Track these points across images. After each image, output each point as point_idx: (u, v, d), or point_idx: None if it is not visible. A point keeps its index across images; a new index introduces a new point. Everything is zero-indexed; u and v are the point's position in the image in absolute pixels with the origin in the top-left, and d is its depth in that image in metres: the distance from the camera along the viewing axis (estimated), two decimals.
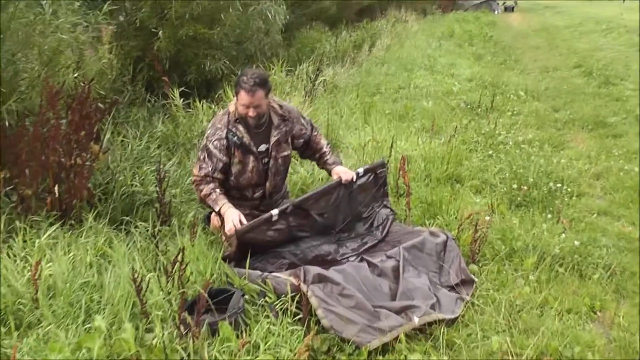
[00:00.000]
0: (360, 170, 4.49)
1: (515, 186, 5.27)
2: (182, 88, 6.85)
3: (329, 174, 4.55)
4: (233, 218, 3.96)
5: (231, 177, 4.25)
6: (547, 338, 3.27)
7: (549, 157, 6.16)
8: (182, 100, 6.56)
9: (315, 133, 4.59)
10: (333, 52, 10.94)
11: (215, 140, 4.13)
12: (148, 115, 6.56)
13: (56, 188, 4.16)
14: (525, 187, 5.16)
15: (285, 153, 4.38)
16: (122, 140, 5.52)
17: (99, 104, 4.89)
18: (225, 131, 4.14)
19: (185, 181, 5.14)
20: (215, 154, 4.13)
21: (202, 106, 6.51)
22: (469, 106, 8.37)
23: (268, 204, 4.41)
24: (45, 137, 4.20)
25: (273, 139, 4.26)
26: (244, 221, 3.97)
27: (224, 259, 3.82)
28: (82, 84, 4.53)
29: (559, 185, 5.32)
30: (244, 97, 4.01)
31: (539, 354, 3.18)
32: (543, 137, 7.02)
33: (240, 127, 4.14)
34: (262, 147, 4.24)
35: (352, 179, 4.35)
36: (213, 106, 6.42)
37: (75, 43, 5.09)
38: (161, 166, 4.62)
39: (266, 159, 4.28)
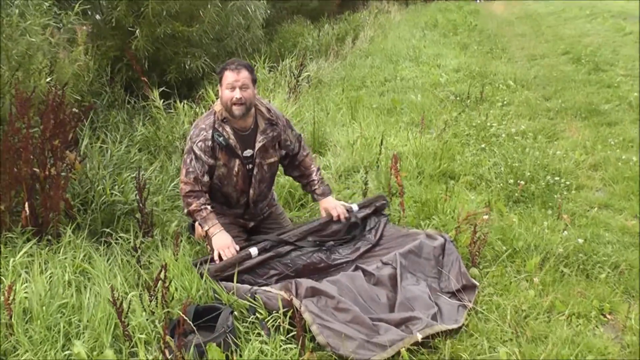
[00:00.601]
0: (355, 206, 4.29)
1: (511, 181, 5.08)
2: (163, 88, 6.65)
3: (315, 200, 4.36)
4: (222, 247, 3.74)
5: (215, 181, 3.98)
6: (557, 347, 3.08)
7: (544, 149, 5.98)
8: (162, 101, 6.32)
9: (305, 153, 4.29)
10: (316, 46, 10.75)
11: (199, 142, 3.85)
12: (128, 118, 6.35)
13: (26, 205, 3.91)
14: (522, 182, 4.97)
15: (272, 160, 4.09)
16: (100, 146, 5.28)
17: (74, 109, 4.66)
18: (210, 131, 3.86)
19: (168, 187, 4.93)
20: (200, 156, 3.85)
21: (183, 107, 6.28)
22: (458, 98, 8.17)
23: (253, 213, 4.21)
24: (16, 147, 3.97)
25: (258, 145, 3.96)
26: (235, 249, 3.76)
27: (194, 263, 3.64)
28: (55, 89, 4.28)
29: (556, 178, 5.14)
30: (229, 76, 3.78)
31: None
32: (536, 127, 6.83)
33: (227, 128, 3.88)
34: (247, 153, 3.96)
35: (344, 217, 4.13)
36: (194, 106, 6.20)
37: (47, 46, 4.83)
38: (142, 173, 4.39)
39: (250, 165, 4.00)
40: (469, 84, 8.83)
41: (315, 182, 4.25)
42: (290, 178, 4.55)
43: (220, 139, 3.84)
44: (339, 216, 4.12)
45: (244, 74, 3.80)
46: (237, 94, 3.77)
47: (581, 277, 3.79)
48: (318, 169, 4.31)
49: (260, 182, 4.07)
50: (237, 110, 3.80)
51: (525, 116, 7.37)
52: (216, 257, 3.69)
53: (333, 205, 4.16)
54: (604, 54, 10.71)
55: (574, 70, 9.94)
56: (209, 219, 3.85)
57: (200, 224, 3.88)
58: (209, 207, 3.88)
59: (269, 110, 4.04)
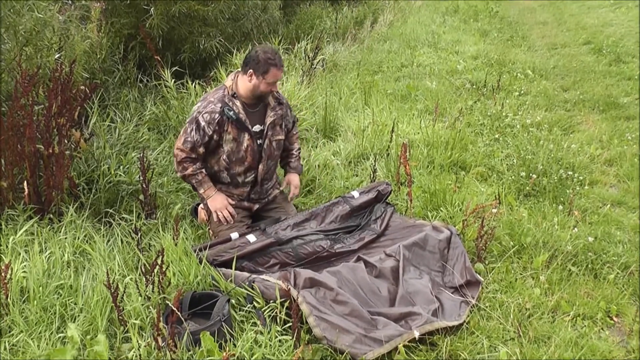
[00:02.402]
0: (355, 193, 4.29)
1: (523, 174, 4.98)
2: (176, 67, 6.58)
3: (285, 172, 4.52)
4: (219, 208, 3.94)
5: (223, 156, 3.98)
6: (560, 349, 3.01)
7: (559, 142, 5.85)
8: (175, 80, 6.26)
9: (295, 131, 4.48)
10: (333, 28, 10.59)
11: (205, 113, 3.88)
12: (139, 97, 6.29)
13: (26, 183, 3.86)
14: (535, 175, 4.86)
15: (279, 137, 4.18)
16: (109, 125, 5.24)
17: (82, 87, 4.61)
18: (219, 105, 3.89)
19: (173, 167, 4.86)
20: (203, 127, 3.87)
21: (195, 87, 6.21)
22: (474, 86, 8.03)
23: (259, 192, 4.20)
24: (21, 124, 3.93)
25: (269, 120, 4.06)
26: (231, 210, 3.95)
27: (194, 249, 3.60)
28: (61, 66, 4.23)
29: (569, 172, 5.02)
30: (276, 74, 3.89)
31: None
32: (552, 119, 6.70)
33: (237, 103, 3.94)
34: (257, 128, 4.03)
35: (290, 197, 4.38)
36: (206, 87, 6.13)
37: (56, 22, 4.77)
38: (147, 153, 4.33)
39: (260, 140, 4.05)
40: (486, 72, 8.68)
41: (294, 156, 4.45)
42: None
43: (230, 113, 3.88)
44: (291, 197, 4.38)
45: (283, 70, 4.06)
46: (275, 88, 3.98)
47: (589, 277, 3.70)
48: (299, 148, 4.53)
49: (268, 158, 4.12)
50: (264, 98, 4.01)
51: (541, 107, 7.23)
52: (215, 219, 3.87)
53: (296, 183, 4.42)
54: (627, 45, 10.47)
55: (594, 60, 9.74)
56: (204, 182, 3.96)
57: (195, 187, 3.99)
58: (204, 171, 3.97)
59: (277, 91, 4.14)
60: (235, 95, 3.95)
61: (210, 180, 4.00)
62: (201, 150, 3.91)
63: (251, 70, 3.87)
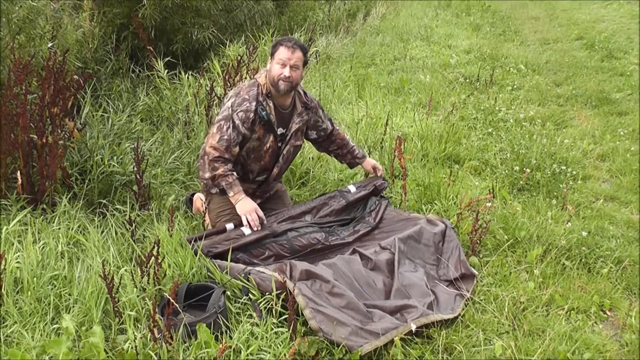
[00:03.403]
0: (352, 187, 4.27)
1: (517, 168, 5.00)
2: (168, 58, 6.54)
3: (353, 166, 4.57)
4: (249, 211, 3.72)
5: (243, 153, 3.90)
6: (554, 342, 3.02)
7: (552, 137, 5.87)
8: (167, 71, 6.23)
9: (338, 128, 4.39)
10: (326, 21, 10.57)
11: (240, 112, 3.76)
12: (132, 87, 6.25)
13: (19, 173, 3.83)
14: (528, 170, 4.87)
15: (299, 143, 4.12)
16: (102, 115, 5.20)
17: (75, 76, 4.57)
18: (254, 104, 3.79)
19: (168, 159, 4.84)
20: (238, 125, 3.76)
21: (188, 78, 6.18)
22: (467, 80, 8.05)
23: (265, 190, 4.16)
24: (14, 113, 3.89)
25: (294, 126, 3.98)
26: (260, 214, 3.75)
27: (189, 240, 3.57)
28: (55, 55, 4.19)
29: (563, 167, 5.04)
30: (283, 52, 3.76)
31: None
32: (545, 114, 6.72)
33: (270, 104, 3.84)
34: (280, 131, 3.94)
35: (382, 174, 4.43)
36: (199, 78, 6.10)
37: (49, 11, 4.73)
38: (141, 144, 4.30)
39: (281, 144, 3.98)
40: (479, 66, 8.71)
41: (355, 148, 4.42)
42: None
43: (263, 113, 3.79)
44: (379, 175, 4.40)
45: (298, 54, 3.78)
46: (287, 72, 3.75)
47: (583, 271, 3.72)
48: (350, 140, 4.47)
49: (285, 162, 4.09)
50: (282, 84, 3.78)
51: (534, 101, 7.26)
52: (245, 222, 3.69)
53: (375, 164, 4.42)
54: (618, 41, 10.52)
55: (586, 56, 9.78)
56: (235, 185, 3.77)
57: (225, 189, 3.78)
58: (235, 173, 3.81)
59: (305, 94, 4.09)
60: (269, 95, 3.85)
61: (240, 185, 3.82)
62: (236, 149, 3.80)
63: (271, 52, 3.86)
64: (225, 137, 3.75)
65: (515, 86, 7.88)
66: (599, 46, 10.22)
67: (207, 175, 3.79)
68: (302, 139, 4.15)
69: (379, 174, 4.38)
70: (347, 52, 9.25)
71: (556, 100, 7.40)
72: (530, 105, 7.11)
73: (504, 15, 14.09)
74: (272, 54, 3.82)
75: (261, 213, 3.77)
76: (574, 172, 5.04)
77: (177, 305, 2.87)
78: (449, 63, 9.01)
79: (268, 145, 3.91)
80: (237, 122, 3.76)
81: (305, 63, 3.89)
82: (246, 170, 4.00)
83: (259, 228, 3.70)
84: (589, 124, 6.44)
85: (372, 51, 9.59)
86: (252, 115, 3.78)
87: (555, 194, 4.68)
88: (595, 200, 4.71)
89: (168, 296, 2.79)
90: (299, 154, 4.91)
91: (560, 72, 8.79)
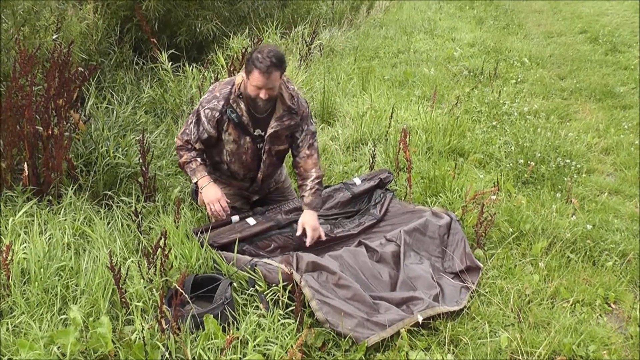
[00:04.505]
0: (357, 180, 4.26)
1: (521, 161, 4.99)
2: (172, 50, 6.53)
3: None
4: (212, 200, 3.69)
5: (224, 156, 3.84)
6: (559, 334, 3.03)
7: (556, 130, 5.87)
8: (171, 63, 6.23)
9: (306, 154, 3.87)
10: (330, 13, 10.53)
11: (207, 109, 3.68)
12: (136, 79, 6.24)
13: (26, 165, 3.84)
14: (533, 163, 4.88)
15: (281, 147, 3.89)
16: (106, 107, 5.21)
17: (80, 68, 4.58)
18: (222, 103, 3.66)
19: (173, 152, 4.84)
20: (203, 122, 3.70)
21: (192, 70, 6.18)
22: (471, 73, 8.03)
23: (259, 188, 4.06)
24: (19, 105, 3.90)
25: (270, 130, 3.74)
26: (224, 204, 3.70)
27: (195, 231, 3.60)
28: (60, 47, 4.20)
29: (567, 160, 5.04)
30: (257, 78, 3.48)
31: (551, 352, 2.94)
32: (549, 107, 6.72)
33: (242, 105, 3.67)
34: (258, 132, 3.77)
35: (310, 242, 3.69)
36: (203, 70, 6.09)
37: (54, 2, 4.73)
38: (146, 136, 4.31)
39: (260, 145, 3.83)
40: (483, 59, 8.68)
41: (308, 187, 3.83)
42: None
43: (233, 115, 3.67)
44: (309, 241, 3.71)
45: (274, 77, 3.51)
46: (263, 95, 3.55)
47: (587, 264, 3.72)
48: (318, 177, 3.85)
49: (269, 166, 3.92)
50: (260, 102, 3.62)
51: (538, 95, 7.25)
52: (208, 211, 3.67)
53: (312, 224, 3.71)
54: (622, 35, 10.48)
55: (590, 50, 9.75)
56: (198, 171, 3.75)
57: (189, 176, 3.80)
58: (199, 159, 3.76)
59: (292, 97, 3.77)
60: (241, 96, 3.67)
61: (204, 170, 3.75)
62: (197, 145, 3.75)
63: (246, 70, 3.60)
64: (187, 131, 3.77)
65: (519, 79, 7.86)
66: (603, 40, 10.19)
67: (178, 165, 3.87)
68: (285, 143, 3.89)
69: (307, 239, 3.67)
70: (350, 45, 9.23)
71: (560, 93, 7.39)
72: (534, 98, 7.11)
73: (508, 8, 14.04)
74: (247, 73, 3.56)
75: (225, 204, 3.69)
76: (579, 166, 5.04)
77: (186, 295, 2.88)
78: (452, 56, 8.99)
79: (246, 147, 3.78)
80: (202, 118, 3.70)
81: (283, 72, 3.60)
82: (232, 171, 3.91)
83: (224, 218, 3.66)
84: (593, 117, 6.43)
85: (375, 44, 9.57)
86: (217, 114, 3.67)
87: (559, 187, 4.68)
88: (599, 194, 4.71)
89: (176, 286, 2.80)
90: None
91: (564, 66, 8.77)
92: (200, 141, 3.76)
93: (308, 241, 3.67)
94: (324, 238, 3.75)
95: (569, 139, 5.65)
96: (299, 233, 3.72)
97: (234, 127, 3.72)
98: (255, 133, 3.77)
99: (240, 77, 3.72)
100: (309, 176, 3.84)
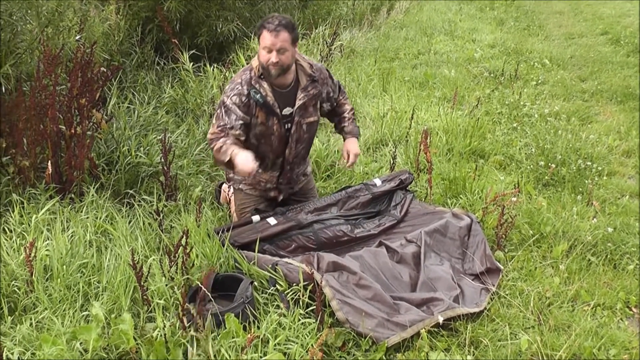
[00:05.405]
0: (378, 180, 4.25)
1: (542, 163, 4.97)
2: (193, 51, 6.58)
3: (343, 138, 4.19)
4: (244, 160, 3.42)
5: (252, 140, 3.79)
6: (580, 338, 3.01)
7: (577, 132, 5.83)
8: (192, 63, 6.27)
9: (341, 97, 4.15)
10: (350, 14, 10.55)
11: (234, 96, 3.64)
12: (157, 79, 6.30)
13: (50, 163, 3.89)
14: (553, 165, 4.85)
15: (312, 119, 3.89)
16: (128, 107, 5.26)
17: (103, 68, 4.62)
18: (246, 87, 3.65)
19: (194, 151, 4.89)
20: (234, 110, 3.63)
21: (213, 70, 6.22)
22: (492, 74, 8.01)
23: (289, 177, 4.02)
24: (43, 104, 3.95)
25: (298, 102, 3.76)
26: (255, 163, 3.46)
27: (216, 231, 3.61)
28: (83, 47, 4.24)
29: (588, 163, 5.01)
30: (266, 37, 3.52)
31: (571, 356, 2.93)
32: (570, 109, 6.67)
33: (265, 85, 3.66)
34: (287, 111, 3.77)
35: (349, 165, 4.08)
36: (224, 70, 6.12)
37: (77, 3, 4.78)
38: (168, 135, 4.34)
39: (289, 124, 3.81)
40: (503, 60, 8.65)
41: (346, 119, 4.13)
42: (316, 146, 4.50)
43: (257, 96, 3.65)
44: (349, 164, 4.08)
45: (283, 37, 3.52)
46: (274, 57, 3.55)
47: (608, 267, 3.70)
48: (351, 109, 4.19)
49: (297, 142, 3.88)
50: (272, 69, 3.59)
51: (559, 97, 7.21)
52: (243, 174, 3.48)
53: (355, 151, 4.06)
54: None
55: (612, 51, 9.69)
56: (229, 149, 3.51)
57: (222, 160, 3.55)
58: (229, 141, 3.57)
59: (310, 65, 3.84)
60: (262, 77, 3.68)
61: (236, 145, 3.55)
62: (233, 132, 3.62)
63: (257, 35, 3.66)
64: (221, 122, 3.66)
65: (539, 81, 7.82)
66: (624, 41, 10.12)
67: (214, 162, 3.78)
68: (315, 115, 3.93)
69: (348, 162, 4.04)
70: (371, 46, 9.24)
71: (581, 95, 7.34)
72: (555, 100, 7.07)
73: (528, 9, 13.99)
74: (258, 38, 3.62)
75: (256, 163, 3.47)
76: (600, 168, 5.01)
77: (208, 293, 2.90)
78: (473, 57, 8.98)
79: (274, 128, 3.76)
80: (231, 106, 3.65)
81: (294, 40, 3.62)
82: (262, 154, 3.84)
83: (253, 172, 3.45)
84: (615, 119, 6.39)
85: (396, 45, 9.57)
86: (244, 99, 3.66)
87: (580, 189, 4.66)
88: (620, 197, 4.67)
89: (199, 283, 2.82)
90: (324, 146, 4.94)
91: (585, 67, 8.72)
92: (237, 129, 3.65)
93: (349, 164, 4.05)
94: (351, 165, 4.09)
95: (590, 141, 5.62)
96: (344, 159, 4.07)
97: (260, 109, 3.70)
98: (283, 112, 3.76)
99: (255, 60, 3.72)
100: (344, 110, 4.16)
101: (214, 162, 3.90)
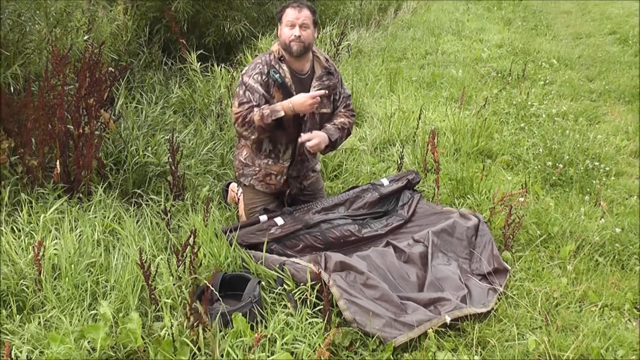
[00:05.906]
0: (385, 180, 4.24)
1: (549, 163, 4.96)
2: (200, 51, 6.59)
3: None
4: (300, 97, 3.63)
5: None
6: (587, 338, 3.00)
7: (585, 132, 5.82)
8: (200, 64, 6.29)
9: (343, 109, 4.05)
10: (357, 15, 10.55)
11: (255, 74, 3.73)
12: (164, 79, 6.32)
13: (58, 162, 3.90)
14: (561, 165, 4.85)
15: (325, 110, 3.94)
16: (135, 107, 5.28)
17: (110, 68, 4.64)
18: (266, 67, 3.75)
19: (201, 151, 4.89)
20: (256, 88, 3.71)
21: (220, 70, 6.23)
22: (499, 74, 8.00)
23: (298, 169, 4.01)
24: (51, 104, 3.96)
25: (313, 90, 3.80)
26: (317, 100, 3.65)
27: (224, 230, 3.61)
28: (91, 47, 4.26)
29: (596, 163, 4.99)
30: (289, 13, 3.68)
31: (579, 356, 2.92)
32: (577, 109, 6.66)
33: (284, 67, 3.77)
34: None
35: (307, 150, 3.82)
36: (231, 70, 6.14)
37: (86, 4, 4.81)
38: (175, 135, 4.35)
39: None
40: (511, 60, 8.64)
41: (332, 123, 3.95)
42: None
43: (277, 75, 3.72)
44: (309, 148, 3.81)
45: (306, 13, 3.69)
46: (297, 31, 3.66)
47: (616, 268, 3.69)
48: (342, 123, 3.98)
49: (310, 131, 3.83)
50: (295, 45, 3.69)
51: (567, 97, 7.19)
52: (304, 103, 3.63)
53: (321, 137, 3.80)
54: None
55: (620, 51, 9.65)
56: (271, 106, 3.68)
57: (271, 118, 3.65)
58: (264, 106, 3.69)
59: (327, 59, 3.95)
60: (282, 59, 3.78)
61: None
62: (260, 103, 3.71)
63: (278, 17, 3.78)
64: (245, 99, 3.71)
65: (547, 81, 7.81)
66: (632, 41, 10.08)
67: (250, 134, 3.75)
68: (328, 107, 3.97)
69: (304, 137, 3.75)
70: (378, 46, 9.24)
71: (589, 95, 7.33)
72: (562, 100, 7.06)
73: (536, 9, 13.96)
74: (280, 19, 3.75)
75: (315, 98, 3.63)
76: (607, 168, 4.99)
77: (215, 292, 2.91)
78: (480, 57, 8.96)
79: None
80: (253, 84, 3.71)
81: (315, 23, 3.78)
82: (274, 140, 3.89)
83: (316, 102, 3.64)
84: (623, 119, 6.37)
85: (403, 45, 9.57)
86: (264, 77, 3.73)
87: (588, 189, 4.65)
88: (628, 197, 4.65)
89: (207, 282, 2.83)
90: None
91: (593, 67, 8.70)
92: (260, 103, 3.71)
93: (304, 138, 3.73)
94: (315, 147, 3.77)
95: (597, 141, 5.60)
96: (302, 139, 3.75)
97: (277, 90, 3.76)
98: None
99: (275, 45, 3.83)
100: (336, 119, 3.99)
101: (249, 133, 3.74)
